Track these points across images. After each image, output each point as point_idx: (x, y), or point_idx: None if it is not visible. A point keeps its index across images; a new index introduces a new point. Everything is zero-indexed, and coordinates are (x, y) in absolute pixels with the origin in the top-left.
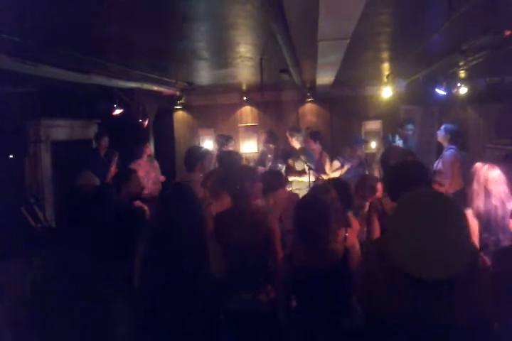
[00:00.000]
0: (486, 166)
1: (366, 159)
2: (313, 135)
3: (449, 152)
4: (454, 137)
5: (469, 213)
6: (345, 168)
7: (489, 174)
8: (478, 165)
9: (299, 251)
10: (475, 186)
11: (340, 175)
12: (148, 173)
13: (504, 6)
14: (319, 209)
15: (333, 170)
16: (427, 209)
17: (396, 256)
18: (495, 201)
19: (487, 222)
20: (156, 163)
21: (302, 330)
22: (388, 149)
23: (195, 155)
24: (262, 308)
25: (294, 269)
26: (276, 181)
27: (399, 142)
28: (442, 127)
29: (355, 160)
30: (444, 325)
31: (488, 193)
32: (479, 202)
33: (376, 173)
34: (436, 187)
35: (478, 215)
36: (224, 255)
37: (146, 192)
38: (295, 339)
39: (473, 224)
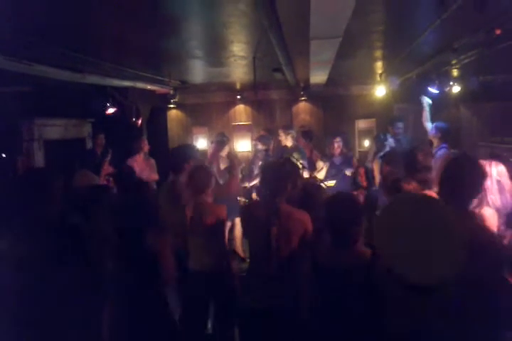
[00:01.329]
0: (493, 162)
1: (352, 156)
2: (305, 134)
3: (441, 151)
4: (445, 135)
5: (488, 211)
6: (326, 166)
7: (499, 169)
8: (482, 162)
9: (327, 248)
10: (487, 182)
11: (326, 175)
12: (142, 171)
13: (493, 5)
14: (353, 206)
15: (318, 171)
16: (415, 214)
17: (386, 260)
18: (509, 195)
19: (505, 216)
20: (152, 162)
21: (326, 332)
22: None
23: (184, 155)
24: (285, 304)
25: (319, 267)
26: None
27: (390, 140)
28: (433, 125)
29: (337, 158)
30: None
31: (501, 187)
32: (495, 197)
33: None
34: (413, 186)
35: (496, 209)
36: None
37: None
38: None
39: (493, 220)
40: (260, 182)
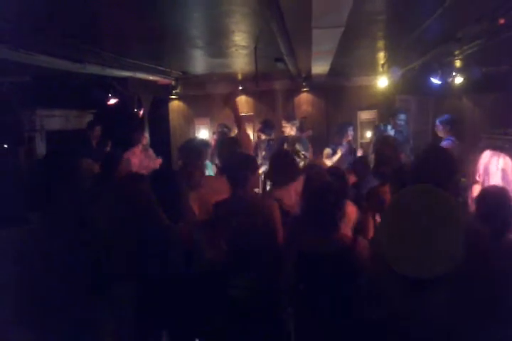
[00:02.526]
0: (502, 154)
1: (355, 147)
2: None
3: (445, 142)
4: (454, 126)
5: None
6: (339, 153)
7: (506, 160)
8: (487, 153)
9: (308, 235)
10: (492, 168)
11: (334, 163)
12: (142, 162)
13: None
14: (333, 193)
15: (325, 158)
16: (420, 207)
17: (388, 254)
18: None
19: None
20: (150, 152)
21: (309, 317)
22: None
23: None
24: (264, 293)
25: (301, 254)
26: None
27: (391, 132)
28: (438, 121)
29: (345, 146)
30: (439, 323)
31: (505, 175)
32: (496, 181)
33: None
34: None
35: None
36: (225, 242)
37: None
38: (300, 326)
39: None
40: (219, 173)
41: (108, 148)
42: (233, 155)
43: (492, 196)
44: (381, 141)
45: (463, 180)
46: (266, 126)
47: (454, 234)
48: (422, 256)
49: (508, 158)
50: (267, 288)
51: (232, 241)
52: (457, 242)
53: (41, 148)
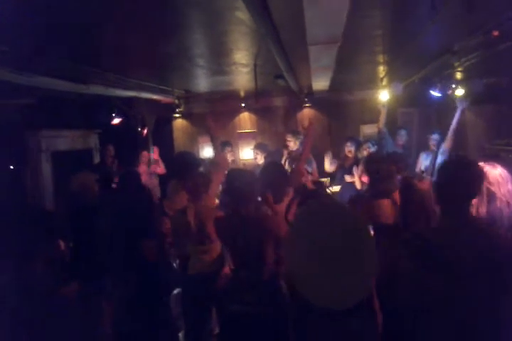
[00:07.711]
0: (488, 167)
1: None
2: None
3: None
4: None
5: None
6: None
7: (490, 175)
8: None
9: None
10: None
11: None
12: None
13: (487, 6)
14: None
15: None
16: (327, 229)
17: (300, 287)
18: (499, 203)
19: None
20: (144, 168)
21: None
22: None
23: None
24: (266, 309)
25: None
26: None
27: (373, 148)
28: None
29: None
30: None
31: (492, 196)
32: (482, 206)
33: None
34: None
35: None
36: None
37: None
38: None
39: None
40: (224, 189)
41: (115, 166)
42: (238, 171)
43: None
44: (372, 160)
45: None
46: (261, 144)
47: (365, 259)
48: (333, 287)
49: (496, 171)
50: (270, 303)
51: (236, 256)
52: (369, 268)
53: (47, 169)
